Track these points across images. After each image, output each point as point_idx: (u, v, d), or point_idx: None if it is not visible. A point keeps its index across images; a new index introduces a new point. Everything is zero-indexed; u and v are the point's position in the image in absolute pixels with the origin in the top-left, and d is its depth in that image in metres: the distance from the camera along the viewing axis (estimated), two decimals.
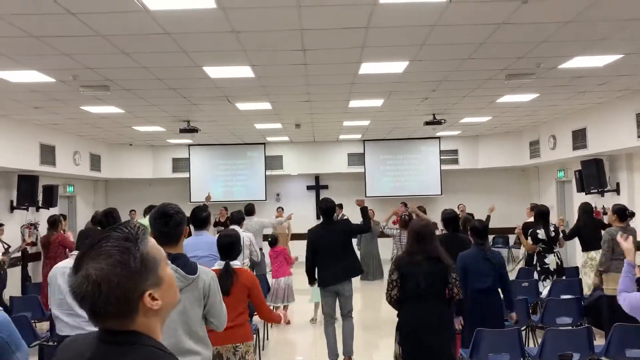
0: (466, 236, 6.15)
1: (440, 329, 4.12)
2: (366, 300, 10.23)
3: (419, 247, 4.18)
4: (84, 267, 1.24)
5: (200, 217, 4.97)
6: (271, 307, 7.94)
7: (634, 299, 2.96)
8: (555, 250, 6.87)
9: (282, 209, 13.07)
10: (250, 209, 8.78)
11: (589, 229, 7.45)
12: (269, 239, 8.41)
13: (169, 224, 2.71)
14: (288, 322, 8.12)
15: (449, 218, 6.07)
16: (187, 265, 2.70)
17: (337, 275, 5.75)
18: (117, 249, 1.26)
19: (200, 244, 4.57)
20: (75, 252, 3.89)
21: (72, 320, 3.69)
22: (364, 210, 6.22)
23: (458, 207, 12.53)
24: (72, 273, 1.26)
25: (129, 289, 1.25)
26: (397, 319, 4.31)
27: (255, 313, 5.13)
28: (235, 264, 3.80)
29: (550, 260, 6.81)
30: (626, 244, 3.05)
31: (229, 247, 3.81)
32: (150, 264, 1.31)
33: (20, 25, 4.65)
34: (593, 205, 9.68)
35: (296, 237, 12.20)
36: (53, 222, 8.30)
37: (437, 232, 5.72)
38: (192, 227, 4.88)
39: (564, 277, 6.85)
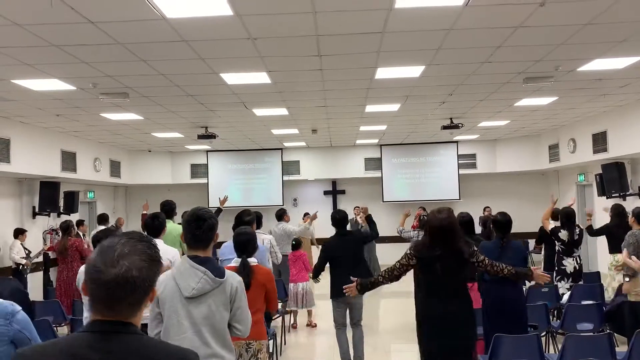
0: (482, 239, 6.11)
1: (463, 322, 4.02)
2: (370, 304, 10.19)
3: (439, 240, 3.97)
4: (120, 263, 1.43)
5: (244, 220, 5.06)
6: (289, 311, 8.01)
7: None
8: (575, 255, 6.78)
9: (309, 214, 13.09)
10: (280, 214, 8.84)
11: (621, 230, 7.30)
12: (293, 242, 8.43)
13: (202, 227, 2.78)
14: (315, 326, 8.14)
15: (465, 221, 6.03)
16: (215, 269, 2.75)
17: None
18: (145, 246, 1.50)
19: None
20: None
21: None
22: (370, 218, 6.36)
23: (484, 210, 12.55)
24: (103, 268, 1.43)
25: (153, 280, 1.50)
26: (418, 314, 4.22)
27: (274, 317, 5.18)
28: (253, 261, 3.83)
29: (568, 263, 6.73)
30: (634, 264, 2.97)
31: (244, 243, 3.87)
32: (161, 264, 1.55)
33: (42, 34, 4.75)
34: (604, 207, 9.54)
35: (318, 242, 12.21)
36: (66, 228, 8.42)
37: None
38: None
39: (581, 282, 6.75)
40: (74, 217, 11.10)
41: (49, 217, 10.68)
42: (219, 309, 2.72)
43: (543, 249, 8.27)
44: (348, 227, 6.48)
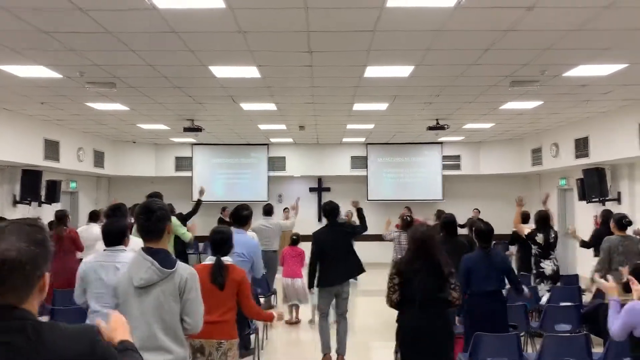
0: (464, 241, 6.17)
1: (440, 336, 4.09)
2: (350, 302, 10.24)
3: (420, 254, 4.11)
4: (2, 243, 1.39)
5: (240, 215, 5.04)
6: (285, 307, 8.03)
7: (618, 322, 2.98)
8: (552, 257, 6.89)
9: (289, 210, 13.13)
10: (269, 209, 8.83)
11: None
12: (293, 237, 8.41)
13: (151, 218, 2.80)
14: (299, 321, 8.16)
15: (447, 222, 6.09)
16: (165, 260, 2.77)
17: (339, 276, 5.86)
18: (32, 229, 1.46)
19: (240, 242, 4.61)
20: (110, 248, 3.91)
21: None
22: (360, 211, 6.45)
23: (473, 212, 12.70)
24: None
25: (36, 265, 1.43)
26: (397, 325, 4.29)
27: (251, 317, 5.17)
28: (227, 259, 3.84)
29: (546, 265, 6.84)
30: (607, 284, 3.08)
31: (220, 242, 3.88)
32: (51, 251, 1.50)
33: (29, 20, 4.70)
34: (595, 214, 9.70)
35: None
36: (61, 217, 8.26)
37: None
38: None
39: (558, 284, 6.87)
40: (55, 207, 10.97)
41: (30, 206, 10.54)
42: (168, 299, 2.74)
43: (516, 250, 8.37)
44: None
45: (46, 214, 10.77)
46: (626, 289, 4.64)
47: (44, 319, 6.53)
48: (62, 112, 9.34)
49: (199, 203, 8.18)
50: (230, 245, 3.96)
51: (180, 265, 2.82)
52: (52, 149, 10.48)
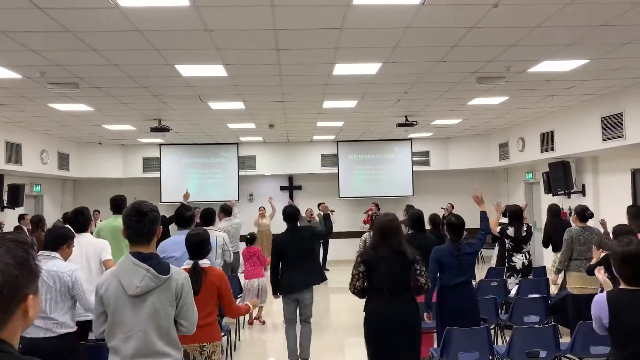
0: (432, 236, 6.21)
1: (408, 322, 4.10)
2: (322, 300, 10.27)
3: (384, 242, 4.13)
4: None
5: (184, 216, 4.92)
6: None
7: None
8: (524, 250, 7.01)
9: (264, 209, 13.09)
10: (229, 209, 8.69)
11: (557, 230, 7.60)
12: (247, 237, 8.28)
13: (143, 221, 2.66)
14: (263, 322, 8.10)
15: (414, 218, 6.14)
16: (159, 265, 2.66)
17: (299, 283, 5.77)
18: (17, 249, 1.30)
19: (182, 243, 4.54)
20: (43, 252, 3.83)
21: (43, 323, 3.66)
22: (327, 217, 6.59)
23: (447, 207, 12.83)
24: None
25: (20, 287, 1.27)
26: (364, 313, 4.28)
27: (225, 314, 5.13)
28: (205, 262, 3.78)
29: (518, 259, 6.95)
30: (601, 277, 3.12)
31: (198, 246, 3.80)
32: (37, 271, 1.34)
33: None
34: (560, 206, 9.92)
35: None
36: (38, 222, 7.98)
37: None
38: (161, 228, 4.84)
39: (530, 277, 6.99)
40: (18, 211, 10.67)
41: None
42: (164, 306, 2.65)
43: (498, 244, 8.48)
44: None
45: (9, 218, 10.46)
46: (589, 272, 4.78)
47: None
48: (23, 114, 9.07)
49: (183, 206, 8.04)
50: (207, 248, 3.90)
51: (174, 269, 2.72)
52: (14, 152, 10.17)
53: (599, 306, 2.89)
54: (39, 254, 3.79)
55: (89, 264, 4.61)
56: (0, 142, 9.78)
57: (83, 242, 4.62)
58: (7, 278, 1.24)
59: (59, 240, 3.89)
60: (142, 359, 2.61)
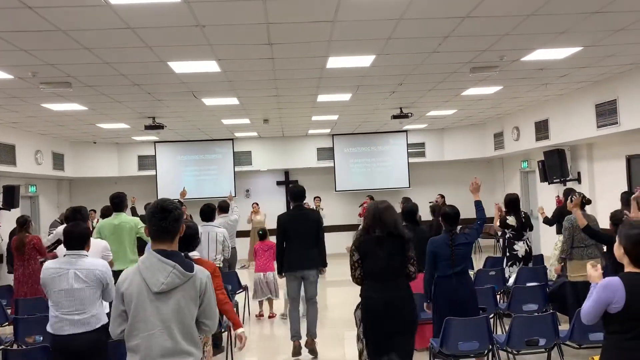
0: (425, 228, 6.21)
1: (403, 308, 4.10)
2: (329, 291, 10.28)
3: (378, 224, 4.10)
4: None
5: (205, 212, 4.97)
6: (256, 302, 7.96)
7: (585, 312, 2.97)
8: (524, 238, 7.02)
9: (257, 205, 13.09)
10: (226, 206, 8.68)
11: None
12: (259, 232, 8.33)
13: (168, 218, 2.64)
14: (273, 316, 8.12)
15: (407, 211, 6.14)
16: (184, 263, 2.65)
17: (303, 261, 5.77)
18: None
19: None
20: (71, 252, 3.88)
21: (83, 318, 3.78)
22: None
23: (436, 199, 12.72)
24: None
25: None
26: (360, 299, 4.29)
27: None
28: (194, 254, 3.80)
29: (520, 247, 6.97)
30: (594, 272, 3.04)
31: (188, 238, 3.81)
32: None
33: None
34: (556, 195, 9.96)
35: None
36: (23, 223, 7.96)
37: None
38: None
39: (530, 264, 7.01)
40: (15, 213, 10.61)
41: None
42: (188, 304, 2.63)
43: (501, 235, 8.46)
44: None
45: (5, 220, 10.41)
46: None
47: (9, 329, 6.34)
48: (16, 115, 9.02)
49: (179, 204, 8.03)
50: (197, 240, 3.93)
51: (197, 267, 2.71)
52: (7, 153, 10.12)
53: (613, 289, 2.79)
54: (66, 253, 3.84)
55: None
56: None
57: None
58: None
59: (84, 238, 3.97)
60: (165, 359, 2.58)
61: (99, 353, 3.81)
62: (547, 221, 7.73)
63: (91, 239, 4.73)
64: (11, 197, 10.52)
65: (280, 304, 8.22)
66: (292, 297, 5.93)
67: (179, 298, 2.60)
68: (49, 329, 3.83)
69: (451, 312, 4.65)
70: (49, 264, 3.92)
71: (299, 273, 5.81)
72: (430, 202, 11.74)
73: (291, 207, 6.02)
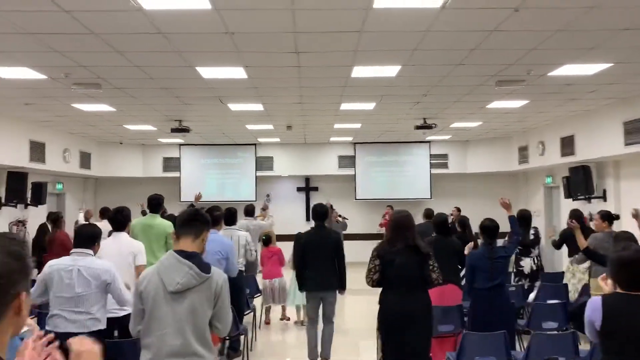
0: (457, 240, 6.20)
1: (421, 316, 4.19)
2: (338, 302, 10.26)
3: (398, 236, 4.27)
4: None
5: (213, 216, 5.13)
6: (263, 309, 7.98)
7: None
8: (532, 255, 6.95)
9: (264, 210, 12.95)
10: (251, 210, 8.74)
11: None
12: (263, 238, 8.33)
13: (194, 223, 2.87)
14: (288, 319, 8.14)
15: (440, 222, 6.13)
16: (201, 264, 2.72)
17: (322, 282, 5.78)
18: (10, 243, 1.28)
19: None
20: (77, 250, 3.95)
21: (79, 318, 3.80)
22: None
23: (452, 212, 12.56)
24: None
25: (13, 281, 1.23)
26: (379, 306, 4.36)
27: (247, 311, 5.21)
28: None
29: (525, 263, 6.90)
30: (605, 287, 3.10)
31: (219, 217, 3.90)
32: (31, 269, 1.32)
33: (14, 21, 4.64)
34: (588, 213, 9.77)
35: (284, 238, 12.12)
36: (56, 220, 8.09)
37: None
38: None
39: (538, 282, 6.93)
40: (41, 209, 10.86)
41: (16, 208, 10.42)
42: (203, 305, 2.68)
43: None
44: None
45: (32, 216, 10.66)
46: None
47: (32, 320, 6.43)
48: (47, 114, 9.25)
49: (192, 207, 8.15)
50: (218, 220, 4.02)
51: (214, 270, 2.79)
52: (37, 151, 10.37)
53: (593, 308, 2.87)
54: (73, 251, 3.92)
55: (120, 262, 4.66)
56: (24, 140, 9.98)
57: (119, 240, 4.72)
58: (4, 270, 1.22)
59: (92, 239, 4.02)
60: (176, 359, 2.63)
61: None
62: (554, 244, 7.60)
63: (130, 238, 4.84)
64: (39, 194, 10.77)
65: (292, 310, 8.20)
66: (311, 316, 5.94)
67: (194, 298, 2.66)
68: (47, 326, 3.86)
69: (487, 324, 4.66)
70: (52, 261, 4.00)
71: (319, 294, 5.82)
72: (449, 215, 11.65)
73: (313, 226, 6.01)
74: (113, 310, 4.16)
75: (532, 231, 6.99)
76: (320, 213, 5.95)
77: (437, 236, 6.01)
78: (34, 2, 4.21)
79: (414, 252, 4.23)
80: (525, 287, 6.78)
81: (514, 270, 7.01)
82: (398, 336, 4.17)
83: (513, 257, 8.38)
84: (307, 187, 15.29)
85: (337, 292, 5.92)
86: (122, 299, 3.93)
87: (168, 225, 6.04)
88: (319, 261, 5.74)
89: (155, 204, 6.18)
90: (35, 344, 1.45)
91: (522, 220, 7.04)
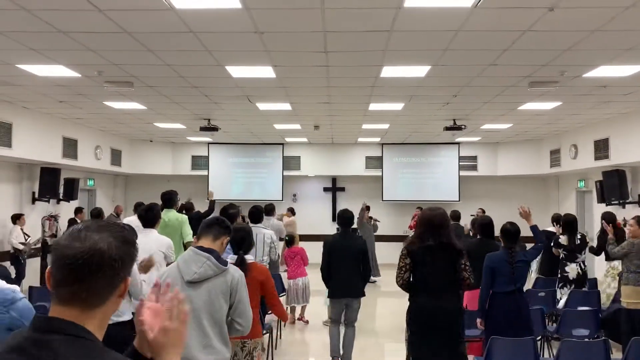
0: (499, 243, 6.09)
1: (451, 315, 4.10)
2: (366, 303, 10.20)
3: (431, 233, 4.14)
4: (87, 236, 1.25)
5: (228, 213, 5.26)
6: (287, 308, 7.99)
7: None
8: (578, 260, 6.77)
9: (290, 211, 12.94)
10: (271, 209, 8.73)
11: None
12: (286, 238, 8.35)
13: (215, 225, 3.05)
14: (307, 322, 8.15)
15: (484, 224, 6.02)
16: (219, 258, 2.88)
17: (347, 290, 5.76)
18: (118, 228, 1.34)
19: None
20: None
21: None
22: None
23: (477, 213, 12.37)
24: (66, 243, 1.24)
25: (123, 263, 1.28)
26: (409, 304, 4.29)
27: (270, 311, 5.23)
28: (249, 258, 3.85)
29: (571, 269, 6.72)
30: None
31: (241, 240, 3.87)
32: (135, 255, 1.36)
33: (48, 20, 4.75)
34: (622, 218, 9.50)
35: (310, 238, 12.14)
36: (97, 215, 8.27)
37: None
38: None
39: (584, 288, 6.74)
40: (73, 205, 11.11)
41: (49, 203, 10.69)
42: (219, 297, 2.77)
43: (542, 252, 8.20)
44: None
45: (64, 211, 10.91)
46: None
47: None
48: (80, 111, 9.45)
49: (212, 203, 8.32)
50: (250, 242, 3.97)
51: (232, 266, 2.95)
52: (70, 147, 10.61)
53: None
54: None
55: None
56: (58, 137, 10.22)
57: (149, 237, 4.79)
58: (121, 253, 1.27)
59: None
60: (195, 351, 2.66)
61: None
62: (592, 251, 7.40)
63: (159, 235, 4.93)
64: (71, 189, 11.03)
65: (322, 309, 8.20)
66: (334, 320, 5.94)
67: (210, 290, 2.78)
68: None
69: (507, 329, 4.57)
70: None
71: (343, 300, 5.81)
72: (472, 215, 11.51)
73: (339, 231, 6.02)
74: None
75: (578, 236, 6.81)
76: (345, 218, 5.92)
77: (480, 239, 5.94)
78: (70, 2, 4.30)
79: (447, 249, 4.12)
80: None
81: (559, 276, 6.83)
82: (428, 337, 4.10)
83: (537, 260, 8.17)
84: (334, 187, 15.28)
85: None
86: (137, 293, 3.98)
87: (180, 217, 6.32)
88: (343, 267, 5.70)
89: (167, 199, 6.32)
90: (154, 295, 1.42)
91: (567, 224, 6.90)
